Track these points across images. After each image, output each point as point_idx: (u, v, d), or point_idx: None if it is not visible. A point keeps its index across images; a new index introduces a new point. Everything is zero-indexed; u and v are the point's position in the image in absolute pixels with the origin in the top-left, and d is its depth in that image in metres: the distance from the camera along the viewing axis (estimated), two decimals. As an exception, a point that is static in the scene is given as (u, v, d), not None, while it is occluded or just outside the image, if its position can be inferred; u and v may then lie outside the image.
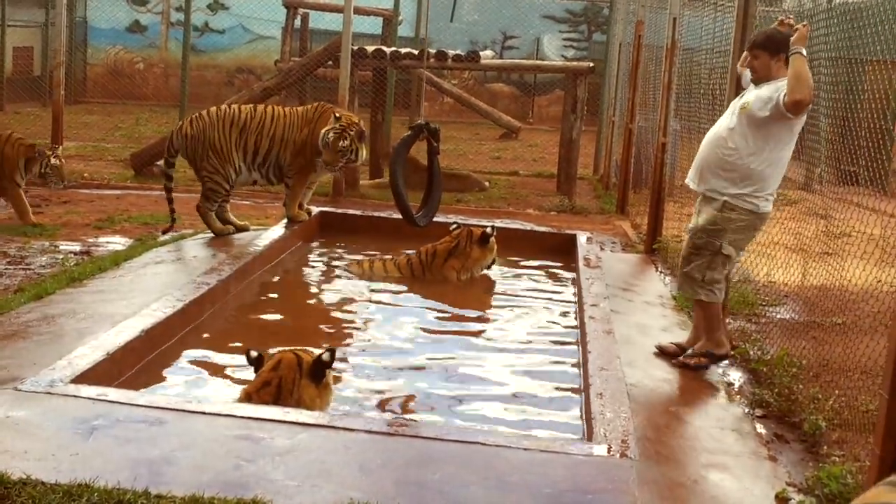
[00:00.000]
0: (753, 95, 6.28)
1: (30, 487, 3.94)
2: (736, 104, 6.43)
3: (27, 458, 4.21)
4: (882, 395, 3.67)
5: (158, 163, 13.64)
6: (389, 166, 9.98)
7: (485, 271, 9.10)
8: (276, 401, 5.09)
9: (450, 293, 8.50)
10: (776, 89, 6.11)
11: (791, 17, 6.60)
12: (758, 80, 6.37)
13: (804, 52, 5.99)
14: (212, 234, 9.58)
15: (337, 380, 5.83)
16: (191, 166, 9.92)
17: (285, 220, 10.11)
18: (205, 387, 5.81)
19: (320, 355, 5.17)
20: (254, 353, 5.23)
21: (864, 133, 7.31)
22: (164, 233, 9.85)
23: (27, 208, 10.49)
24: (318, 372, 5.15)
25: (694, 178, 6.55)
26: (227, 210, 9.85)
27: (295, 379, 5.15)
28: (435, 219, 10.34)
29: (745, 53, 6.59)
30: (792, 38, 6.09)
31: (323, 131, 9.55)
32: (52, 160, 10.56)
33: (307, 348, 5.41)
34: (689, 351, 6.60)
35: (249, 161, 9.71)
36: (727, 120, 6.42)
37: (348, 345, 6.87)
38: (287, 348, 5.37)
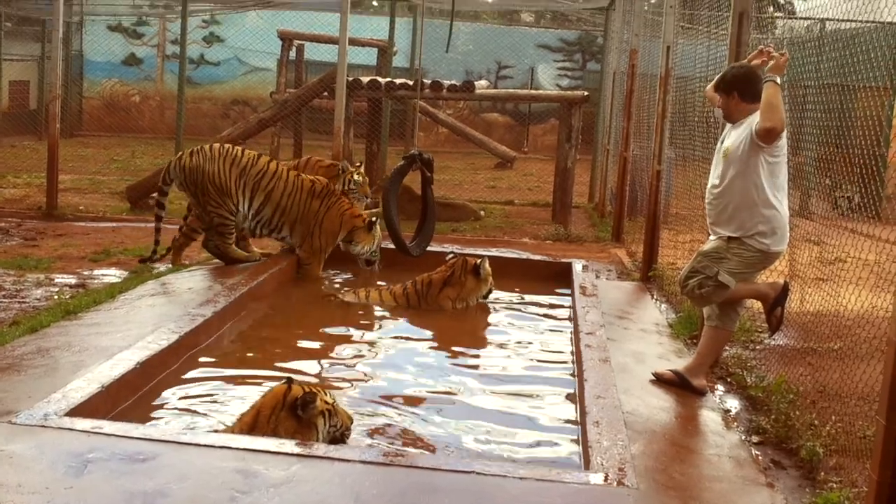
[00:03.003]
0: (731, 139, 6.33)
1: (23, 521, 3.92)
2: (718, 153, 6.47)
3: (21, 492, 4.19)
4: (879, 420, 3.66)
5: (154, 195, 13.70)
6: (382, 196, 10.05)
7: (481, 301, 9.08)
8: (252, 428, 5.12)
9: (445, 322, 8.49)
10: (749, 124, 6.16)
11: (771, 46, 6.65)
12: (728, 120, 6.45)
13: (778, 80, 6.03)
14: (205, 267, 9.62)
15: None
16: (192, 201, 9.83)
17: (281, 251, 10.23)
18: (200, 419, 5.79)
19: (298, 397, 5.15)
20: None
21: (858, 160, 7.34)
22: (141, 262, 9.86)
23: None
24: (295, 408, 5.13)
25: (710, 230, 6.58)
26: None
27: (275, 409, 5.16)
28: (431, 248, 10.37)
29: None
30: (768, 67, 6.16)
31: (366, 248, 9.99)
32: (356, 176, 10.75)
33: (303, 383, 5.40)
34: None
35: (245, 207, 9.73)
36: (715, 171, 6.46)
37: (343, 375, 6.85)
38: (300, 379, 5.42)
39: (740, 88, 6.29)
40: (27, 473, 4.41)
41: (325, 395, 5.28)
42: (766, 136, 6.03)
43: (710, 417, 6.17)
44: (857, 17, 7.13)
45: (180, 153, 10.05)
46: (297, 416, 5.11)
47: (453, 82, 14.64)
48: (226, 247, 9.67)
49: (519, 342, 7.98)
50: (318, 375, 6.74)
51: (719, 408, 6.35)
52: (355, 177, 10.76)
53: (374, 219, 9.95)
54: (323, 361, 7.19)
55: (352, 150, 13.43)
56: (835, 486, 4.96)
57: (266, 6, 24.87)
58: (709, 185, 6.53)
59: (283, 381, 5.35)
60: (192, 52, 25.67)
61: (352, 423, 5.39)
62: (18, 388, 5.61)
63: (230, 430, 5.26)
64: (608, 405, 5.80)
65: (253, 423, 5.16)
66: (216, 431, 5.36)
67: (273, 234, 9.97)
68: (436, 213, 10.69)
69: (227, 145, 10.02)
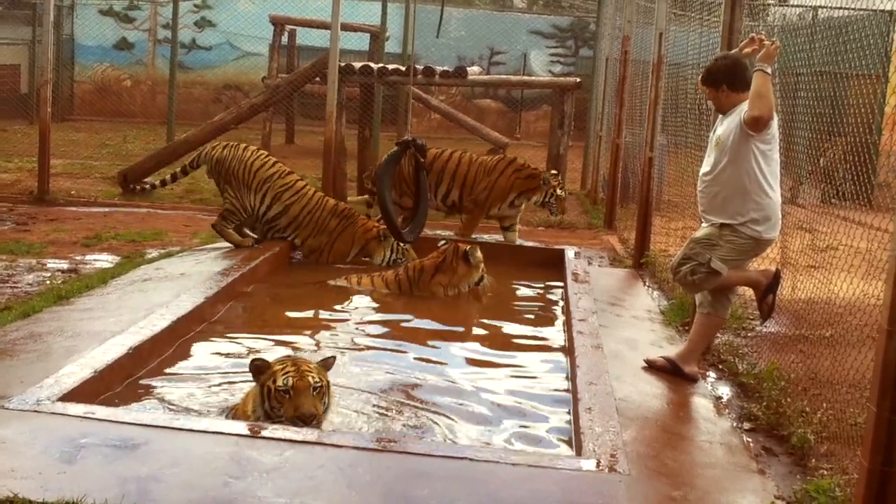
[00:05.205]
0: (722, 127, 6.35)
1: (17, 506, 3.93)
2: (711, 141, 6.49)
3: (14, 477, 4.18)
4: (870, 407, 3.67)
5: (147, 180, 13.70)
6: (377, 182, 10.07)
7: (473, 287, 9.06)
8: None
9: (437, 309, 8.49)
10: (739, 112, 6.18)
11: (763, 33, 6.66)
12: (719, 111, 6.48)
13: (768, 69, 6.06)
14: (198, 252, 9.66)
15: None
16: (217, 187, 10.30)
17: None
18: (193, 404, 5.79)
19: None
20: (258, 361, 5.22)
21: (850, 147, 7.35)
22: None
23: (474, 231, 11.30)
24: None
25: (702, 217, 6.59)
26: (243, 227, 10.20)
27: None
28: (424, 234, 10.38)
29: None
30: (758, 56, 6.17)
31: (379, 259, 10.02)
32: (558, 191, 11.10)
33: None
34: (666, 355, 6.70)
35: (261, 212, 10.00)
36: (707, 159, 6.48)
37: (335, 360, 6.83)
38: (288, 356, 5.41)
39: (728, 80, 6.32)
40: (20, 459, 4.41)
41: (282, 375, 5.07)
42: (754, 125, 6.06)
43: (701, 404, 6.19)
44: (850, 5, 7.13)
45: (214, 143, 10.40)
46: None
47: (445, 68, 14.60)
48: (223, 229, 9.92)
49: (511, 329, 7.99)
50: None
51: (711, 395, 6.37)
52: (558, 191, 11.13)
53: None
54: (315, 347, 7.18)
55: (344, 136, 13.39)
56: (826, 472, 4.99)
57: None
58: (701, 173, 6.54)
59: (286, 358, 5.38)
60: (183, 36, 25.59)
61: (300, 418, 4.99)
62: (10, 373, 5.60)
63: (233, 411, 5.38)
64: (600, 391, 5.82)
65: (245, 396, 5.30)
66: (228, 412, 5.43)
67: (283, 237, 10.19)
68: (428, 198, 10.72)
69: (262, 151, 10.36)
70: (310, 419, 4.97)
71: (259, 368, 5.14)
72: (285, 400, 5.02)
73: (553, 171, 11.57)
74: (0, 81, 23.73)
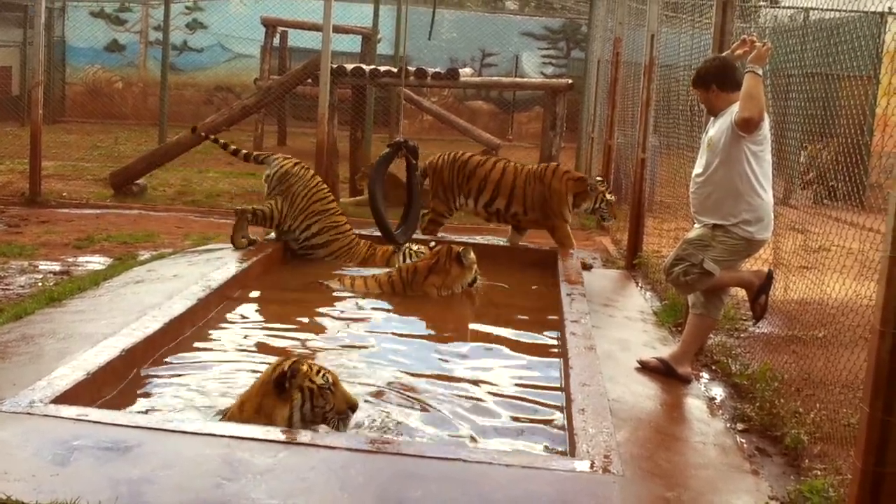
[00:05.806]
0: (714, 129, 6.37)
1: (9, 509, 3.92)
2: (703, 143, 6.51)
3: (7, 479, 4.17)
4: (863, 408, 3.68)
5: (138, 181, 13.68)
6: (368, 184, 10.10)
7: (467, 288, 9.05)
8: (241, 408, 5.21)
9: (430, 310, 8.48)
10: (731, 113, 6.20)
11: (754, 35, 6.68)
12: (710, 113, 6.50)
13: (759, 71, 6.08)
14: (190, 254, 9.61)
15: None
16: (266, 191, 10.14)
17: (270, 236, 10.18)
18: (185, 406, 5.78)
19: (283, 371, 5.14)
20: (296, 366, 5.17)
21: (842, 148, 7.38)
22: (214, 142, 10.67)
23: (573, 241, 10.94)
24: (278, 383, 5.12)
25: (694, 218, 6.61)
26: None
27: (264, 383, 5.18)
28: (418, 235, 10.39)
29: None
30: (749, 57, 6.18)
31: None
32: (608, 196, 10.81)
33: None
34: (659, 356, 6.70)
35: (297, 232, 9.95)
36: (700, 160, 6.50)
37: (329, 361, 6.82)
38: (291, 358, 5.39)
39: (718, 80, 6.35)
40: (13, 461, 4.40)
41: (317, 373, 5.18)
42: (745, 126, 6.07)
43: (695, 405, 6.20)
44: (841, 7, 7.15)
45: (287, 155, 10.39)
46: (278, 391, 5.12)
47: (438, 70, 14.61)
48: (243, 221, 9.82)
49: (504, 329, 7.98)
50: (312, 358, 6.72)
51: (704, 395, 6.38)
52: (608, 196, 10.88)
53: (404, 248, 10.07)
54: (309, 348, 7.17)
55: (336, 137, 13.39)
56: (819, 473, 4.99)
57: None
58: (693, 174, 6.56)
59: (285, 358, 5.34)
60: (175, 38, 25.55)
61: (352, 408, 5.27)
62: (3, 376, 5.59)
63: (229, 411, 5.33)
64: (594, 392, 5.81)
65: (242, 403, 5.22)
66: (221, 413, 5.41)
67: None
68: (420, 200, 10.71)
69: (324, 184, 10.26)
70: (356, 408, 5.28)
71: (295, 373, 5.13)
72: (330, 396, 5.15)
73: (598, 178, 11.48)
74: (-9, 83, 23.71)
